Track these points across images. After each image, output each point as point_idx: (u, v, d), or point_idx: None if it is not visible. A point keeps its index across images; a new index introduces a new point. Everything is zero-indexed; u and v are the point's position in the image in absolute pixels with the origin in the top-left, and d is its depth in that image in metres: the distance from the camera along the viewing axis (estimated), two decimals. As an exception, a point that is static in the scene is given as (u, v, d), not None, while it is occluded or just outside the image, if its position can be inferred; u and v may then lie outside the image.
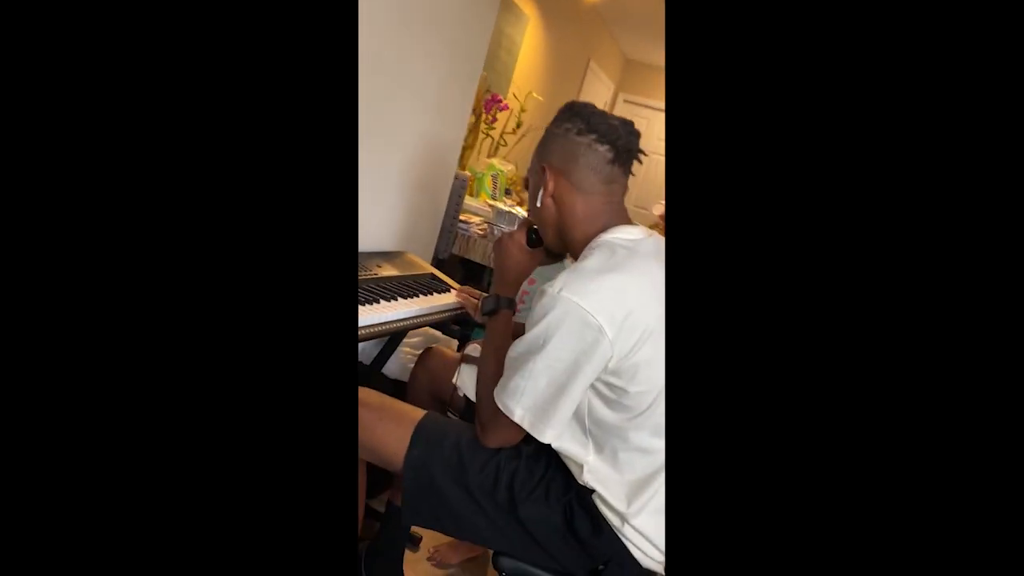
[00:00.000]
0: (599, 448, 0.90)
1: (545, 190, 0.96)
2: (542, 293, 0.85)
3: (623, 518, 0.90)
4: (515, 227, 2.07)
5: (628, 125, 0.94)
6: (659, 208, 2.98)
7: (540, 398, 0.85)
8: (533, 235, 1.04)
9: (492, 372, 0.95)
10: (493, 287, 1.08)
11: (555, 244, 1.01)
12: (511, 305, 1.05)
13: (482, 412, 0.96)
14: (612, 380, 0.85)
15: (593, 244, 0.92)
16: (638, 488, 0.90)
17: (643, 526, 0.89)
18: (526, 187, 1.68)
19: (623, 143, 0.92)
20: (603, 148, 0.92)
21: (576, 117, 0.93)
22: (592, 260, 0.87)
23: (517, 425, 0.88)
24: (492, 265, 2.11)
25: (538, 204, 0.97)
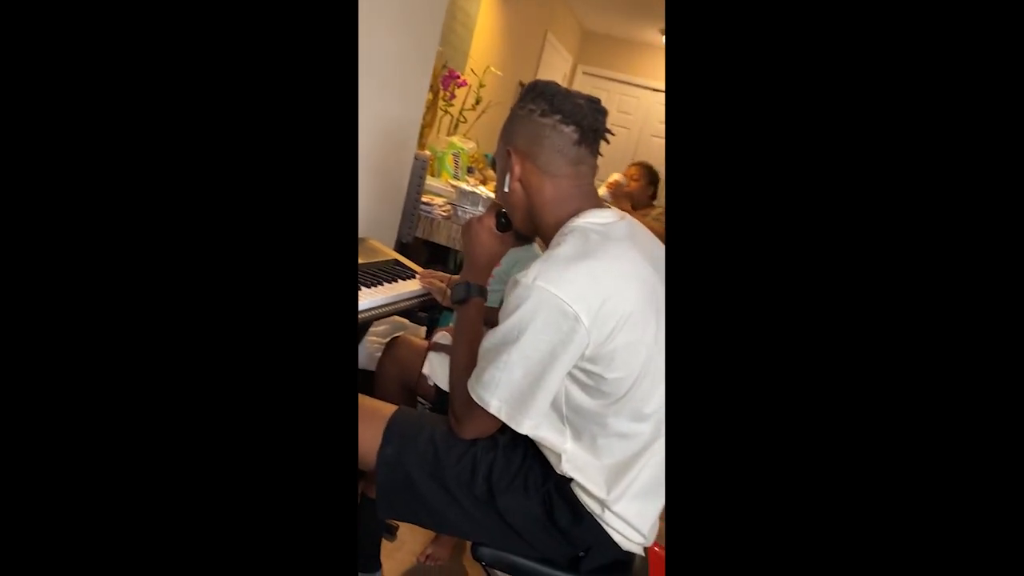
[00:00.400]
0: (577, 435, 0.89)
1: (512, 174, 0.93)
2: (515, 283, 0.82)
3: (603, 504, 0.89)
4: (479, 208, 2.04)
5: (594, 103, 0.91)
6: (608, 184, 2.96)
7: (517, 389, 0.84)
8: (502, 219, 1.01)
9: (465, 363, 0.93)
10: (463, 274, 1.04)
11: (525, 228, 0.98)
12: (482, 292, 1.02)
13: (456, 404, 0.94)
14: (589, 367, 0.83)
15: (565, 229, 0.90)
16: (617, 473, 0.89)
17: (624, 511, 0.89)
18: (494, 168, 1.64)
19: (589, 123, 0.89)
20: (568, 129, 0.89)
21: (539, 98, 0.90)
22: (565, 247, 0.84)
23: (493, 416, 0.86)
24: (458, 248, 2.07)
25: (505, 189, 0.94)
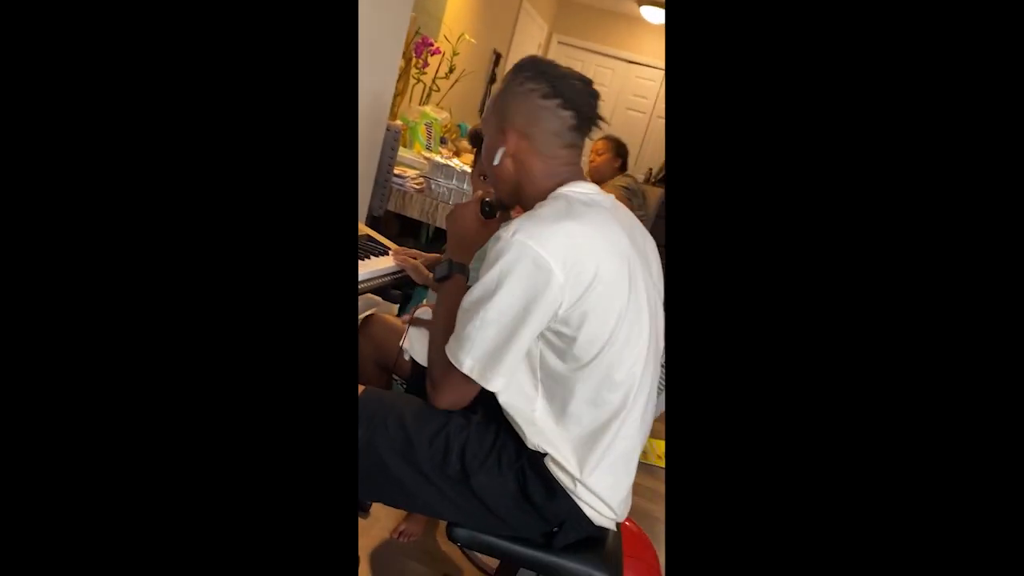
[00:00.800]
0: (549, 397, 0.90)
1: (505, 150, 0.94)
2: (497, 238, 0.84)
3: (575, 479, 0.89)
4: (452, 181, 2.00)
5: (588, 85, 0.93)
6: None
7: (491, 345, 0.84)
8: (487, 207, 1.04)
9: (444, 332, 0.93)
10: (446, 253, 1.05)
11: (510, 200, 1.00)
12: (464, 271, 1.02)
13: (434, 371, 0.94)
14: (560, 328, 0.85)
15: (549, 197, 0.92)
16: (587, 445, 0.89)
17: (596, 485, 0.89)
18: (471, 142, 1.59)
19: (586, 110, 0.91)
20: (567, 114, 0.90)
21: (540, 78, 0.90)
22: (548, 209, 0.87)
23: (468, 381, 0.87)
24: (431, 221, 2.03)
25: (495, 162, 0.95)
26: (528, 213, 0.86)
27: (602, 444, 0.89)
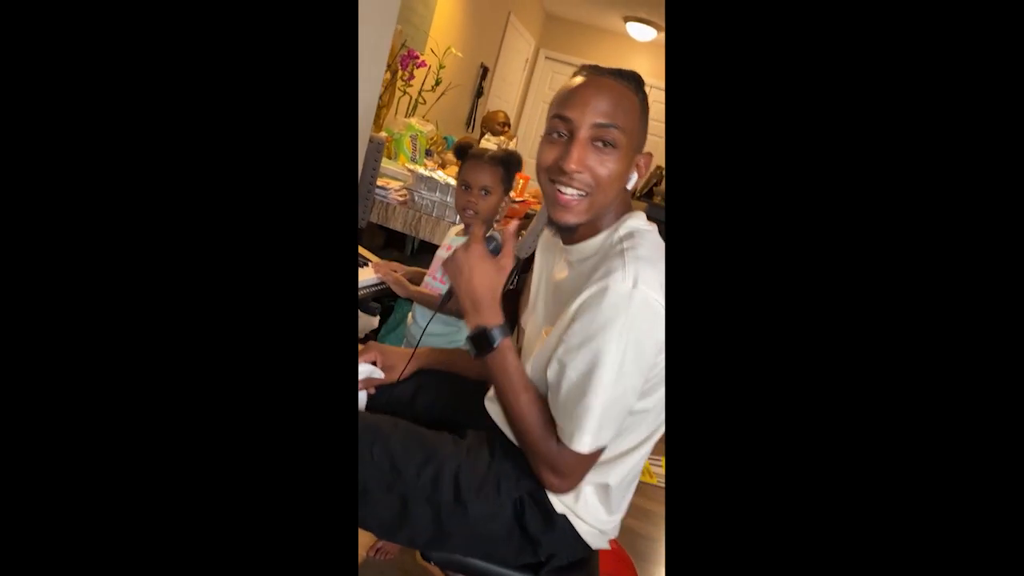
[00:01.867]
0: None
1: (639, 173, 0.86)
2: (604, 290, 0.74)
3: (607, 488, 0.87)
4: (436, 193, 1.98)
5: None
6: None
7: (616, 411, 0.78)
8: (492, 243, 0.88)
9: (540, 418, 0.83)
10: (469, 319, 0.86)
11: (589, 222, 0.86)
12: (506, 332, 0.85)
13: (557, 463, 0.82)
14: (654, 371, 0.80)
15: (622, 230, 0.83)
16: (626, 462, 0.87)
17: (616, 497, 0.88)
18: (457, 155, 1.54)
19: None
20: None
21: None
22: (644, 249, 0.79)
23: (600, 451, 0.81)
24: (414, 233, 2.02)
25: (628, 187, 0.86)
26: (630, 257, 0.76)
27: (639, 464, 0.88)
